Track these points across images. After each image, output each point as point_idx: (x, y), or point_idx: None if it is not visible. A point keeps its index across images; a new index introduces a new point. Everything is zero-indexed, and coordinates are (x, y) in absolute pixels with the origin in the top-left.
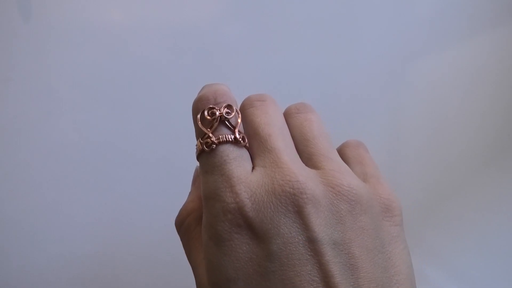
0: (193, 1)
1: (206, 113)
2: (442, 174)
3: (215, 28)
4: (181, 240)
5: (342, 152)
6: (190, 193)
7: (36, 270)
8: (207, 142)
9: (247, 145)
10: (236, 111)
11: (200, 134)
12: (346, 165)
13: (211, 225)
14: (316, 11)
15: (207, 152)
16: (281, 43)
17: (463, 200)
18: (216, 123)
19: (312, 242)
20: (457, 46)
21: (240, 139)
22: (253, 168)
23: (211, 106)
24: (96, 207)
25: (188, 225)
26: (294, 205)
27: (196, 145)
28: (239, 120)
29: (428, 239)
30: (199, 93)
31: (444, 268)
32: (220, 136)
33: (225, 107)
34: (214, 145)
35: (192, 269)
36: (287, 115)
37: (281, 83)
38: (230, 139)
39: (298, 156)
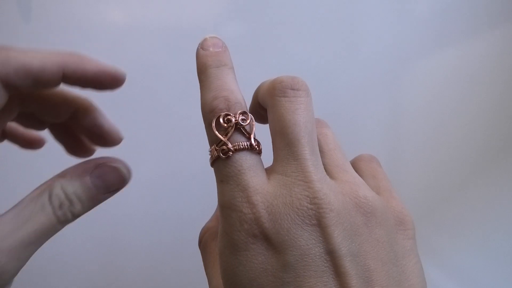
0: (193, 1)
1: (221, 120)
2: (442, 174)
3: (215, 28)
4: (201, 255)
5: (355, 165)
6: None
7: (37, 271)
8: (223, 149)
9: (261, 151)
10: (251, 117)
11: (215, 141)
12: (360, 178)
13: (227, 234)
14: (316, 12)
15: (222, 160)
16: (281, 43)
17: (463, 200)
18: (232, 130)
19: (330, 254)
20: (457, 46)
21: (256, 146)
22: (271, 170)
23: (226, 113)
24: (97, 208)
25: (205, 241)
26: (312, 218)
27: (210, 151)
28: (254, 128)
29: (428, 239)
30: (207, 89)
31: (444, 268)
32: (236, 143)
33: (240, 113)
34: (231, 153)
35: (208, 281)
36: None
37: None
38: (246, 146)
39: (321, 162)
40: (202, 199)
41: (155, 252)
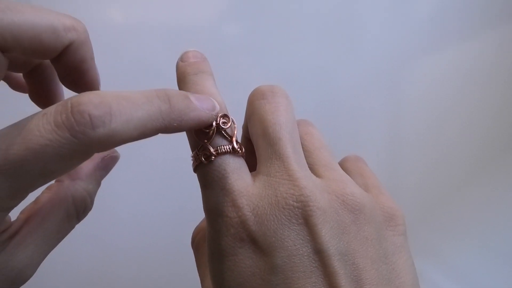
0: (193, 1)
1: None
2: (441, 174)
3: (215, 28)
4: (194, 255)
5: (342, 166)
6: None
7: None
8: (205, 154)
9: (244, 154)
10: (232, 120)
11: (196, 146)
12: (347, 175)
13: (214, 240)
14: (316, 11)
15: (205, 165)
16: (281, 43)
17: (462, 200)
18: (213, 134)
19: (318, 253)
20: (457, 46)
21: (238, 149)
22: (256, 172)
23: None
24: (96, 207)
25: (198, 242)
26: (299, 217)
27: (192, 157)
28: (235, 131)
29: (428, 239)
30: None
31: (444, 268)
32: (218, 147)
33: (221, 117)
34: (213, 157)
35: (200, 281)
36: None
37: (281, 83)
38: (228, 150)
39: (305, 161)
40: (199, 201)
41: (153, 252)
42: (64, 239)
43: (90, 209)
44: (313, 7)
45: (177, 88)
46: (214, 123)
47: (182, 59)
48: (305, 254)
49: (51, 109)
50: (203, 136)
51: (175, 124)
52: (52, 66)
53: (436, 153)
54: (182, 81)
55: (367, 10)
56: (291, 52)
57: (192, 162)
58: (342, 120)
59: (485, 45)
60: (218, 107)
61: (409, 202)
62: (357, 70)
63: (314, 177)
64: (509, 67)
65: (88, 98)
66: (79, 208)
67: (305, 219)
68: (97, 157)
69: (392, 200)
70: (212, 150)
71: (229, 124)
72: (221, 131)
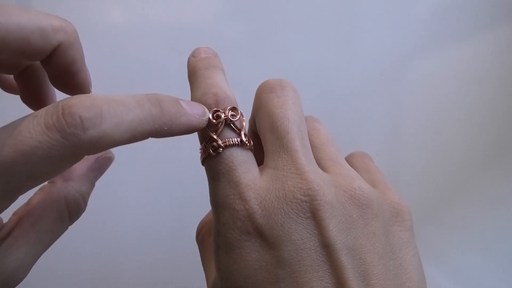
0: (193, 1)
1: (211, 116)
2: (442, 174)
3: (215, 28)
4: (199, 250)
5: (348, 162)
6: None
7: (38, 269)
8: (213, 146)
9: (252, 147)
10: (241, 113)
11: (205, 138)
12: (354, 171)
13: (220, 233)
14: (316, 11)
15: (213, 157)
16: (281, 43)
17: (463, 199)
18: (222, 126)
19: (325, 247)
20: (457, 46)
21: (246, 142)
22: (263, 166)
23: (215, 109)
24: (95, 207)
25: (202, 236)
26: (306, 211)
27: (200, 149)
28: (244, 123)
29: (428, 239)
30: (196, 89)
31: (444, 268)
32: (227, 140)
33: (229, 109)
34: (221, 149)
35: (205, 276)
36: None
37: None
38: (237, 142)
39: (312, 155)
40: (203, 195)
41: (155, 249)
42: (64, 239)
43: (83, 210)
44: (314, 7)
45: (177, 92)
46: (223, 116)
47: (193, 54)
48: (312, 248)
49: (42, 111)
50: (211, 128)
51: (165, 128)
52: (42, 67)
53: (437, 153)
54: (193, 76)
55: (367, 10)
56: (291, 52)
57: (200, 154)
58: (342, 120)
59: (486, 45)
60: (208, 113)
61: (409, 202)
62: (357, 70)
63: (321, 171)
64: (510, 67)
65: (79, 100)
66: (71, 210)
67: (313, 213)
68: (90, 158)
69: (399, 196)
70: (220, 142)
71: (238, 116)
72: (229, 124)
